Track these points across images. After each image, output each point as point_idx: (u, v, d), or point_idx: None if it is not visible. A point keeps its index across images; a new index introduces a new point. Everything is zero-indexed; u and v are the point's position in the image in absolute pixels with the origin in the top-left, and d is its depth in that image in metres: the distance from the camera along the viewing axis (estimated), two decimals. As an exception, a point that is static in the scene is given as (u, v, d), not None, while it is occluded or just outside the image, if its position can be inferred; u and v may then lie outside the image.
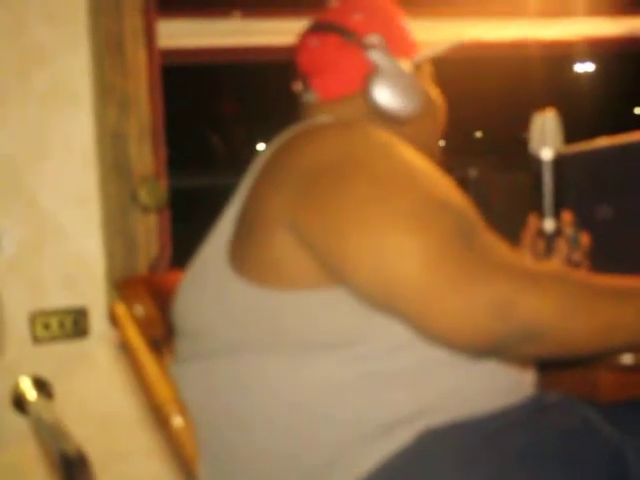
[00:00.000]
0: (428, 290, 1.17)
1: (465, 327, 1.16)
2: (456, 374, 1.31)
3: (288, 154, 1.37)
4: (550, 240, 1.67)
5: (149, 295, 1.64)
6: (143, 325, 1.60)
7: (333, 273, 1.28)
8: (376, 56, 1.54)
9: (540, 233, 1.68)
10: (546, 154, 1.64)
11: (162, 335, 1.63)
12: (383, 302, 1.24)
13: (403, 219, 1.22)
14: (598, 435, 1.35)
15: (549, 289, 1.17)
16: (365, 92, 1.54)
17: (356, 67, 1.56)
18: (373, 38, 1.56)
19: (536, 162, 1.65)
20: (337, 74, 1.58)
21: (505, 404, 1.34)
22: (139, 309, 1.62)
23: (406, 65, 1.56)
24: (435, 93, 1.64)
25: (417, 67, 1.61)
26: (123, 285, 1.69)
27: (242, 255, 1.36)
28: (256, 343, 1.34)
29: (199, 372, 1.42)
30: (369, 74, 1.54)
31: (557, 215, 1.65)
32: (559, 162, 1.64)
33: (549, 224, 1.66)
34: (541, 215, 1.66)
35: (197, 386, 1.43)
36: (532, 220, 1.72)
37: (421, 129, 1.59)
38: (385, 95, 1.53)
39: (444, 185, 1.32)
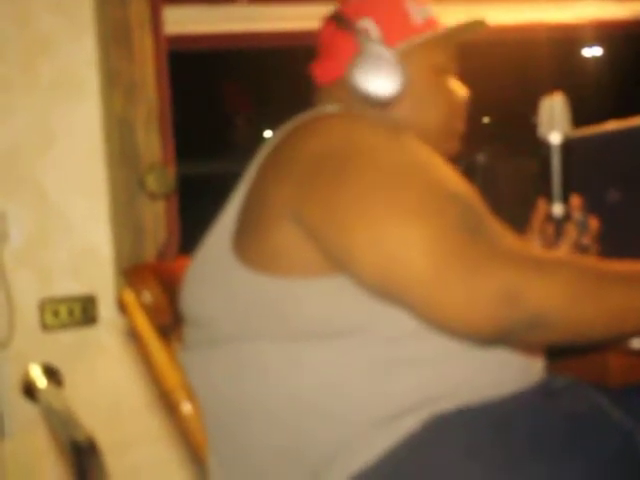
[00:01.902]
0: (433, 281, 1.17)
1: (472, 316, 1.16)
2: (463, 362, 1.31)
3: (292, 144, 1.37)
4: (559, 225, 1.66)
5: (157, 282, 1.63)
6: (151, 312, 1.60)
7: (337, 263, 1.28)
8: (363, 41, 1.52)
9: (549, 218, 1.67)
10: (555, 138, 1.63)
11: (170, 322, 1.63)
12: (388, 292, 1.24)
13: (406, 210, 1.22)
14: (607, 419, 1.35)
15: (556, 276, 1.17)
16: (346, 75, 1.52)
17: (344, 52, 1.55)
18: (365, 23, 1.55)
19: (544, 146, 1.64)
20: (329, 59, 1.59)
21: (514, 391, 1.34)
22: (147, 296, 1.61)
23: (395, 48, 1.52)
24: (441, 81, 1.59)
25: (420, 51, 1.56)
26: (131, 272, 1.69)
27: (246, 244, 1.36)
28: (258, 331, 1.34)
29: (204, 360, 1.43)
30: (351, 57, 1.52)
31: (566, 199, 1.65)
32: (568, 146, 1.63)
33: (558, 208, 1.65)
34: (550, 200, 1.66)
35: (202, 373, 1.44)
36: (541, 205, 1.71)
37: (411, 113, 1.56)
38: (361, 77, 1.49)
39: (450, 176, 1.31)
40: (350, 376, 1.29)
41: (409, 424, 1.27)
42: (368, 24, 1.55)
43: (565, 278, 1.17)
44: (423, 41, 1.57)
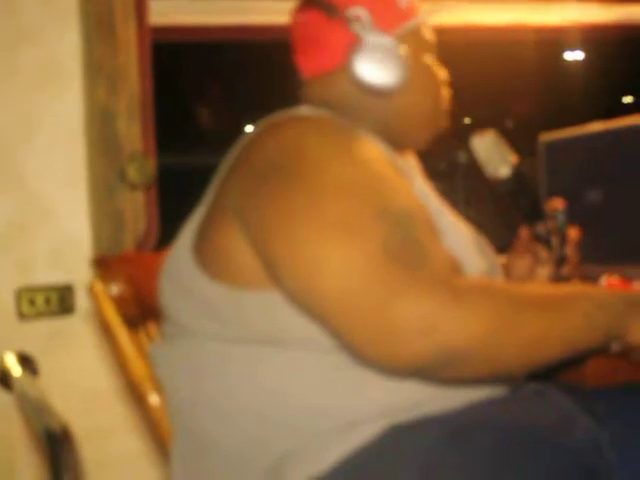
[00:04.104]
0: (346, 306, 1.15)
1: (386, 348, 1.13)
2: None
3: (250, 147, 1.36)
4: (547, 241, 1.66)
5: (124, 274, 1.65)
6: (118, 304, 1.62)
7: (269, 273, 1.27)
8: (357, 29, 1.48)
9: (535, 239, 1.67)
10: (503, 172, 1.60)
11: (136, 314, 1.65)
12: (309, 313, 1.23)
13: (327, 227, 1.19)
14: (575, 427, 1.33)
15: (474, 308, 1.13)
16: (346, 67, 1.48)
17: (337, 42, 1.50)
18: (356, 10, 1.50)
19: (498, 183, 1.62)
20: (319, 50, 1.53)
21: (481, 398, 1.33)
22: (114, 288, 1.63)
23: (392, 36, 1.49)
24: (429, 62, 1.58)
25: (411, 35, 1.54)
26: (100, 263, 1.71)
27: (201, 247, 1.37)
28: (213, 332, 1.34)
29: (169, 353, 1.44)
30: (350, 48, 1.47)
31: (543, 216, 1.64)
32: (519, 172, 1.60)
33: (540, 227, 1.64)
34: (529, 222, 1.65)
35: (166, 367, 1.44)
36: (523, 232, 1.70)
37: (411, 101, 1.54)
38: (367, 69, 1.46)
39: (393, 190, 1.28)
40: (304, 384, 1.28)
41: (369, 432, 1.26)
42: (359, 11, 1.50)
43: (484, 308, 1.14)
44: (415, 26, 1.54)
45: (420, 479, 1.22)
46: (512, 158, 1.60)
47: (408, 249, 1.18)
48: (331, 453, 1.25)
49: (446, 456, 1.24)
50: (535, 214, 1.64)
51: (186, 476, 1.40)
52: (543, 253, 1.68)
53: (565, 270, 1.67)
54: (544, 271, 1.70)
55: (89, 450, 1.67)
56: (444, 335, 1.11)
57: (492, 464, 1.24)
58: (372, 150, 1.35)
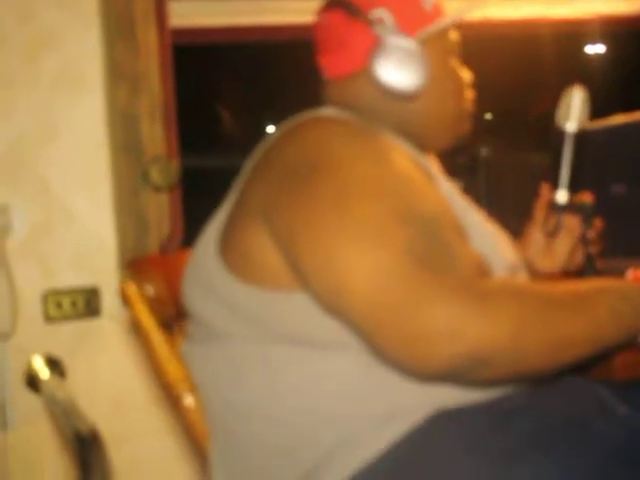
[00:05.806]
0: (372, 312, 1.14)
1: (412, 352, 1.13)
2: None
3: (274, 148, 1.36)
4: (560, 213, 1.68)
5: (159, 275, 1.64)
6: (153, 305, 1.61)
7: (296, 274, 1.26)
8: (380, 31, 1.47)
9: (552, 207, 1.68)
10: (570, 126, 1.65)
11: (172, 315, 1.64)
12: (336, 315, 1.23)
13: (357, 232, 1.19)
14: (613, 415, 1.32)
15: (500, 310, 1.13)
16: (368, 70, 1.47)
17: (359, 44, 1.50)
18: (379, 12, 1.49)
19: (559, 134, 1.66)
20: (342, 51, 1.53)
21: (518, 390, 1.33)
22: (149, 289, 1.62)
23: (415, 39, 1.48)
24: (452, 64, 1.57)
25: (435, 37, 1.54)
26: (134, 265, 1.69)
27: (227, 247, 1.37)
28: (250, 333, 1.34)
29: (204, 355, 1.43)
30: (371, 50, 1.46)
31: (571, 189, 1.66)
32: (582, 137, 1.65)
33: (562, 196, 1.66)
34: (555, 187, 1.67)
35: (203, 368, 1.44)
36: (544, 190, 1.71)
37: (433, 104, 1.53)
38: (387, 72, 1.44)
39: (417, 193, 1.27)
40: (349, 377, 1.28)
41: (412, 421, 1.26)
42: (382, 14, 1.49)
43: (511, 311, 1.14)
44: (439, 29, 1.53)
45: (468, 461, 1.23)
46: (584, 122, 1.66)
47: (434, 252, 1.18)
48: (377, 443, 1.26)
49: (489, 438, 1.24)
50: (567, 181, 1.66)
51: (228, 478, 1.40)
52: (552, 225, 1.71)
53: (593, 249, 1.70)
54: (561, 247, 1.73)
55: (116, 452, 1.67)
56: (471, 338, 1.11)
57: (531, 444, 1.24)
58: (396, 151, 1.35)
